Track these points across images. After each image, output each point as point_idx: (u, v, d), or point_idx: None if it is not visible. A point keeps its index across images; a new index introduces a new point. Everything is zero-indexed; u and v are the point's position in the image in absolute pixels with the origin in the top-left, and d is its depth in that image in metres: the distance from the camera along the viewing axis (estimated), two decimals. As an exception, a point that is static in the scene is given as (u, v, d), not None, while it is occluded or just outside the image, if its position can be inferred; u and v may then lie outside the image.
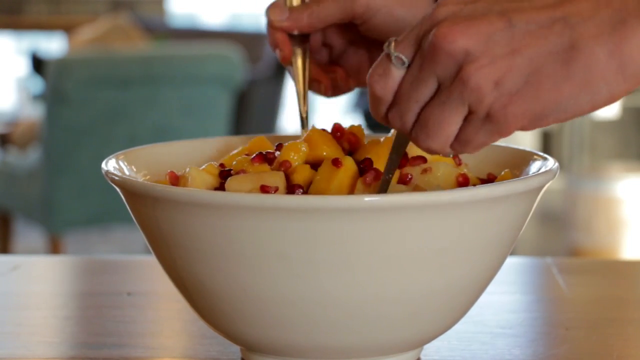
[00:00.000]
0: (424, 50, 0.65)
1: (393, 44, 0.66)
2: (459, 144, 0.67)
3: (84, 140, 3.22)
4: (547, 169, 0.76)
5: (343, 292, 0.69)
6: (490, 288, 0.77)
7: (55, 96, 3.18)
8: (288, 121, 5.76)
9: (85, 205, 3.27)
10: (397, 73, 0.67)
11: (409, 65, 0.66)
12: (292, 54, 0.88)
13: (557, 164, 0.77)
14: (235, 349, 0.81)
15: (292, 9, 0.87)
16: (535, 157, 0.81)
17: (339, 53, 0.92)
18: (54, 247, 3.37)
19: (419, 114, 0.66)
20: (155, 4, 6.33)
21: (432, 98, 0.66)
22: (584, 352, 0.83)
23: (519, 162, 0.81)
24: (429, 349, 0.81)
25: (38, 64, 4.20)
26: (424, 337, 0.76)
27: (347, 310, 0.70)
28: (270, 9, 0.88)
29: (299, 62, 0.88)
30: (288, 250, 0.68)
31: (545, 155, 0.80)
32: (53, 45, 5.89)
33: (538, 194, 0.74)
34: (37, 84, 4.83)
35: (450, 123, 0.66)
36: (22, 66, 5.99)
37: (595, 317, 0.93)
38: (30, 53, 4.62)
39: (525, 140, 4.41)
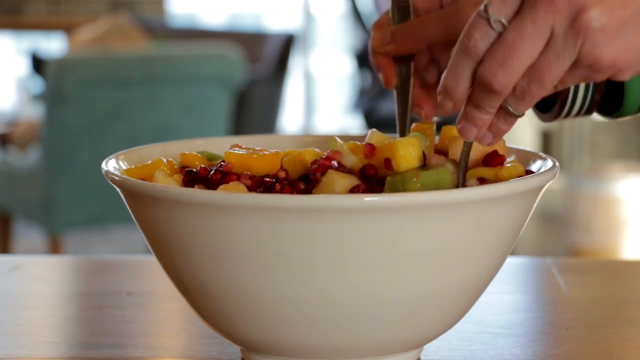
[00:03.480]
0: (536, 4, 0.67)
1: (490, 7, 0.68)
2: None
3: (84, 140, 3.22)
4: (547, 169, 0.76)
5: (343, 292, 0.69)
6: (490, 288, 0.77)
7: (55, 96, 3.18)
8: (288, 121, 5.77)
9: (85, 205, 3.27)
10: (493, 35, 0.68)
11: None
12: (394, 77, 0.87)
13: (557, 164, 0.77)
14: (235, 349, 0.81)
15: (394, 31, 0.87)
16: (535, 157, 0.81)
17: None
18: (54, 247, 3.37)
19: (528, 68, 0.68)
20: (155, 4, 6.33)
21: (542, 51, 0.68)
22: (584, 352, 0.83)
23: (519, 162, 0.81)
24: (429, 349, 0.81)
25: (38, 64, 4.20)
26: (424, 337, 0.76)
27: (347, 310, 0.70)
28: (372, 35, 0.88)
29: (402, 85, 0.88)
30: (288, 250, 0.68)
31: (545, 155, 0.80)
32: (53, 45, 5.89)
33: (538, 193, 0.74)
34: (37, 84, 4.83)
35: (561, 72, 0.68)
36: (22, 66, 5.99)
37: (595, 317, 0.93)
38: (30, 53, 4.62)
39: (525, 140, 4.41)
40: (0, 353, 0.83)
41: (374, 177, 0.75)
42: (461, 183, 0.75)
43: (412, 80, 0.88)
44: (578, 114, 0.91)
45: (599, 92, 0.89)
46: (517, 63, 0.68)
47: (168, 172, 0.79)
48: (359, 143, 0.79)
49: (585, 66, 0.68)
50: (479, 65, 0.69)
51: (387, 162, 0.75)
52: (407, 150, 0.75)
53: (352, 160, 0.77)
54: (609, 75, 0.70)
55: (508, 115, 0.71)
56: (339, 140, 0.79)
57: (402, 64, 0.88)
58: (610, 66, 0.68)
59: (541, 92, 0.69)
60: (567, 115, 0.91)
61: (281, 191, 0.74)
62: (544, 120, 0.93)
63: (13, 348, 0.85)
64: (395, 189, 0.73)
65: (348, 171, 0.76)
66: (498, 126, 0.72)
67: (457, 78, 0.70)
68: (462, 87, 0.70)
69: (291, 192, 0.74)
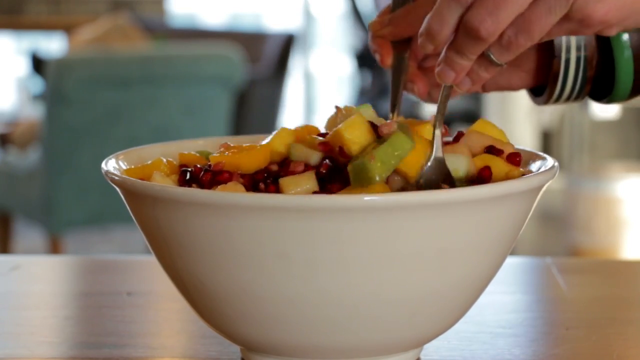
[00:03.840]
0: None
1: None
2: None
3: (84, 140, 3.22)
4: (547, 168, 0.76)
5: (343, 291, 0.69)
6: (490, 288, 0.77)
7: (55, 96, 3.18)
8: (288, 121, 5.76)
9: (85, 205, 3.27)
10: None
11: None
12: (390, 57, 0.89)
13: (557, 163, 0.77)
14: (235, 349, 0.81)
15: (392, 17, 0.88)
16: (535, 157, 0.81)
17: None
18: (54, 247, 3.37)
19: (516, 17, 0.68)
20: (155, 4, 6.33)
21: (533, 3, 0.68)
22: (584, 352, 0.83)
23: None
24: (429, 349, 0.81)
25: (38, 64, 4.20)
26: (424, 337, 0.76)
27: (347, 310, 0.70)
28: (373, 21, 0.90)
29: (398, 65, 0.89)
30: (288, 250, 0.68)
31: (545, 155, 0.80)
32: (53, 45, 5.89)
33: (538, 193, 0.74)
34: (37, 84, 4.83)
35: (550, 25, 0.68)
36: (22, 66, 5.99)
37: (595, 317, 0.93)
38: (30, 53, 4.63)
39: (525, 140, 4.41)
40: (0, 353, 0.83)
41: (330, 172, 0.75)
42: (438, 126, 0.75)
43: (407, 60, 0.89)
44: (570, 96, 0.91)
45: (590, 70, 0.89)
46: (507, 12, 0.68)
47: (167, 172, 0.79)
48: (320, 138, 0.78)
49: (576, 20, 0.69)
50: (466, 11, 0.69)
51: (341, 151, 0.75)
52: (352, 134, 0.75)
53: (317, 156, 0.77)
54: (596, 31, 0.70)
55: (490, 63, 0.72)
56: (301, 146, 0.78)
57: (400, 46, 0.89)
58: (600, 22, 0.69)
59: (527, 43, 0.69)
60: (559, 98, 0.91)
61: (265, 189, 0.74)
62: (537, 103, 0.94)
63: (13, 348, 0.84)
64: (360, 179, 0.73)
65: (313, 167, 0.75)
66: (478, 73, 0.73)
67: (442, 22, 0.70)
68: (446, 31, 0.70)
69: (276, 191, 0.74)
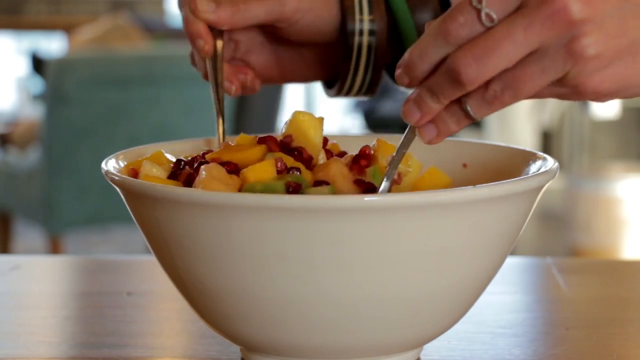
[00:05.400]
0: (533, 13, 0.63)
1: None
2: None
3: (84, 140, 3.22)
4: (547, 169, 0.76)
5: (343, 292, 0.69)
6: (490, 288, 0.77)
7: (55, 96, 3.18)
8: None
9: (85, 205, 3.27)
10: (478, 28, 0.64)
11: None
12: (213, 48, 0.86)
13: (557, 164, 0.77)
14: (235, 349, 0.81)
15: (218, 3, 0.84)
16: (535, 157, 0.81)
17: (244, 51, 0.91)
18: (54, 247, 3.37)
19: (505, 72, 0.65)
20: (155, 4, 6.33)
21: (525, 60, 0.64)
22: (584, 352, 0.83)
23: (519, 162, 0.81)
24: (429, 349, 0.81)
25: (38, 64, 4.20)
26: (424, 337, 0.76)
27: (347, 310, 0.70)
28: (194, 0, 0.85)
29: (215, 60, 0.87)
30: (288, 251, 0.68)
31: (545, 155, 0.80)
32: (53, 45, 5.89)
33: (538, 193, 0.74)
34: (37, 84, 4.83)
35: (541, 87, 0.65)
36: (22, 66, 5.99)
37: (595, 317, 0.93)
38: (30, 53, 4.63)
39: (525, 140, 4.41)
40: (0, 353, 0.83)
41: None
42: (387, 178, 0.72)
43: (222, 52, 0.86)
44: (359, 92, 0.91)
45: (378, 75, 0.89)
46: (494, 63, 0.64)
47: (157, 161, 0.79)
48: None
49: (569, 87, 0.67)
50: (452, 51, 0.65)
51: None
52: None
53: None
54: (588, 99, 0.68)
55: (464, 116, 0.68)
56: None
57: (214, 36, 0.86)
58: (593, 92, 0.67)
59: (513, 100, 0.66)
60: (349, 92, 0.91)
61: None
62: (329, 95, 0.93)
63: (13, 348, 0.85)
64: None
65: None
66: (448, 124, 0.68)
67: (423, 56, 0.66)
68: (425, 67, 0.66)
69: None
